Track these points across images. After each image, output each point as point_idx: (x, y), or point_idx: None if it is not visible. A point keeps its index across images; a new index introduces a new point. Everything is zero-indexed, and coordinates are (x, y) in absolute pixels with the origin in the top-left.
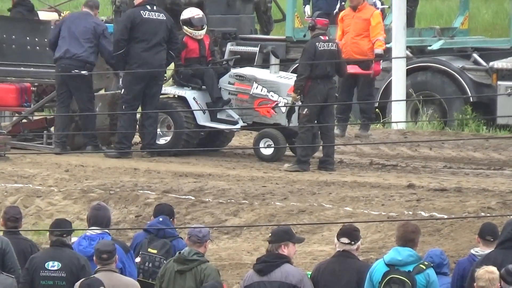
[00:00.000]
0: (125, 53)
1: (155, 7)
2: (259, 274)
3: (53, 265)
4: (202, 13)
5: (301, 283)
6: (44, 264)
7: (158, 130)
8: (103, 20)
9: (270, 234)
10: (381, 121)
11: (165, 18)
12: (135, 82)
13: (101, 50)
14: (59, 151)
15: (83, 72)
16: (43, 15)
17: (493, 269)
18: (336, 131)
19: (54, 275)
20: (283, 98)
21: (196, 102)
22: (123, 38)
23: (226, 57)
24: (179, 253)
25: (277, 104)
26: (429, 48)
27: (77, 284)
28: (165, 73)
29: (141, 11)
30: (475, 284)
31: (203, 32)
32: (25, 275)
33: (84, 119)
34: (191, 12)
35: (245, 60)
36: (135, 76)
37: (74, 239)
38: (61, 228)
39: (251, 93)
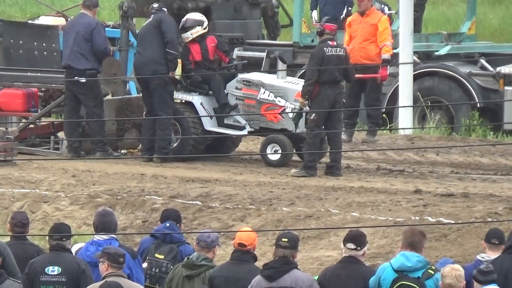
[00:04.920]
0: None
1: (152, 16)
2: (268, 280)
3: (53, 270)
4: (198, 15)
5: None
6: (44, 268)
7: None
8: (109, 26)
9: (286, 240)
10: (388, 127)
11: (150, 24)
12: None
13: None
14: (71, 157)
15: (80, 79)
16: (50, 20)
17: (459, 266)
18: (343, 136)
19: (54, 280)
20: (290, 104)
21: (204, 107)
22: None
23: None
24: (188, 258)
25: (284, 109)
26: (436, 53)
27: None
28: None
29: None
30: (440, 282)
31: (193, 31)
32: (24, 280)
33: (90, 125)
34: (186, 17)
35: (252, 65)
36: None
37: (81, 244)
38: (61, 232)
39: (258, 98)
